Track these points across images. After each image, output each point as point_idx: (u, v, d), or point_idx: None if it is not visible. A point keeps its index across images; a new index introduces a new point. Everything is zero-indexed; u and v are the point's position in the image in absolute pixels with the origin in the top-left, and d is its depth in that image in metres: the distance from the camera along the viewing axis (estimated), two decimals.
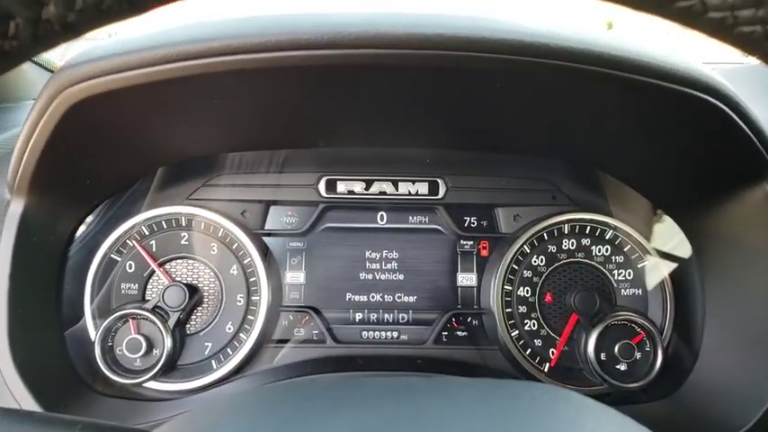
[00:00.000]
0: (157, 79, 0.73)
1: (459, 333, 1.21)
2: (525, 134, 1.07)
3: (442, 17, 0.75)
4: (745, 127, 0.80)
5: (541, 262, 1.19)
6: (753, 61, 1.39)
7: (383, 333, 1.21)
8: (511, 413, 0.47)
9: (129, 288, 1.16)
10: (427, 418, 0.45)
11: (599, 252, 1.20)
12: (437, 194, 1.22)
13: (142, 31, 0.77)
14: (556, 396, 0.52)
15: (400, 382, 0.53)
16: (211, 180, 1.20)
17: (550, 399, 0.51)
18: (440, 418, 0.45)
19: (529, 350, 1.16)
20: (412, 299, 1.22)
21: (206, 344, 1.15)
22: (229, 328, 1.15)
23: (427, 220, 1.24)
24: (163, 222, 1.17)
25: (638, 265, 1.19)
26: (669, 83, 0.76)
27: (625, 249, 1.20)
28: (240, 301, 1.16)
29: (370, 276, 1.22)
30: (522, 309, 1.18)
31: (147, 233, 1.17)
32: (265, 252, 1.20)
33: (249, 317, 1.15)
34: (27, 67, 1.55)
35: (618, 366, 1.13)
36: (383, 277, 1.22)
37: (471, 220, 1.24)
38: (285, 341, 1.18)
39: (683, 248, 1.13)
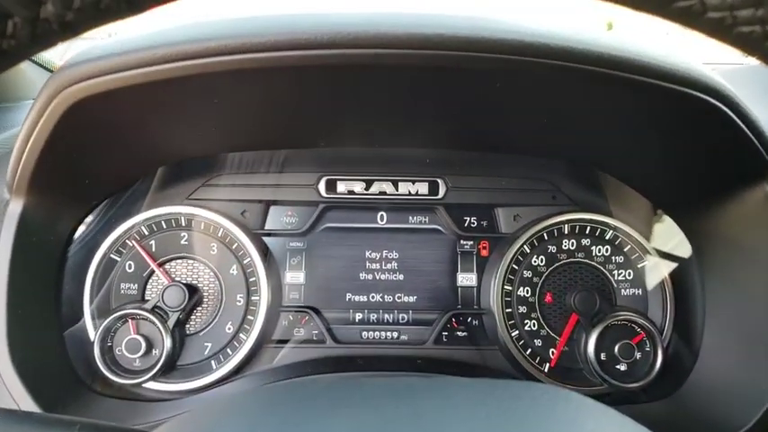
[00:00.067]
0: (156, 79, 0.73)
1: (459, 333, 1.20)
2: (525, 134, 1.07)
3: (442, 17, 0.75)
4: (744, 127, 0.80)
5: (541, 262, 1.19)
6: (753, 62, 1.39)
7: (383, 333, 1.20)
8: (510, 413, 0.47)
9: (129, 288, 1.15)
10: (427, 418, 0.45)
11: (599, 252, 1.20)
12: (437, 194, 1.22)
13: (141, 31, 0.77)
14: (556, 396, 0.52)
15: (400, 382, 0.53)
16: (211, 180, 1.20)
17: (550, 399, 0.51)
18: (439, 418, 0.45)
19: (529, 350, 1.16)
20: (412, 299, 1.22)
21: (206, 344, 1.14)
22: (229, 329, 1.15)
23: (427, 220, 1.24)
24: (162, 222, 1.17)
25: (638, 266, 1.19)
26: (669, 83, 0.76)
27: (625, 249, 1.20)
28: (240, 302, 1.16)
29: (370, 276, 1.22)
30: (522, 309, 1.18)
31: (146, 233, 1.17)
32: (265, 252, 1.20)
33: (249, 317, 1.15)
34: (27, 67, 1.55)
35: (618, 366, 1.13)
36: (383, 277, 1.22)
37: (471, 220, 1.24)
38: (285, 341, 1.18)
39: (683, 248, 1.12)
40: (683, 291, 1.14)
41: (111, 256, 1.16)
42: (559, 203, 1.22)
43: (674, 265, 1.16)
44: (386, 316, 1.21)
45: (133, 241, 1.16)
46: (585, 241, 1.20)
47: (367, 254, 1.22)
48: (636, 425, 0.51)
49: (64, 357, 1.03)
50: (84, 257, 1.14)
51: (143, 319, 1.12)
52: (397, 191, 1.22)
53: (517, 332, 1.17)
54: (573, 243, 1.20)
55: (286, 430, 0.45)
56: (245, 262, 1.17)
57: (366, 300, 1.21)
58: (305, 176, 1.21)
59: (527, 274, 1.19)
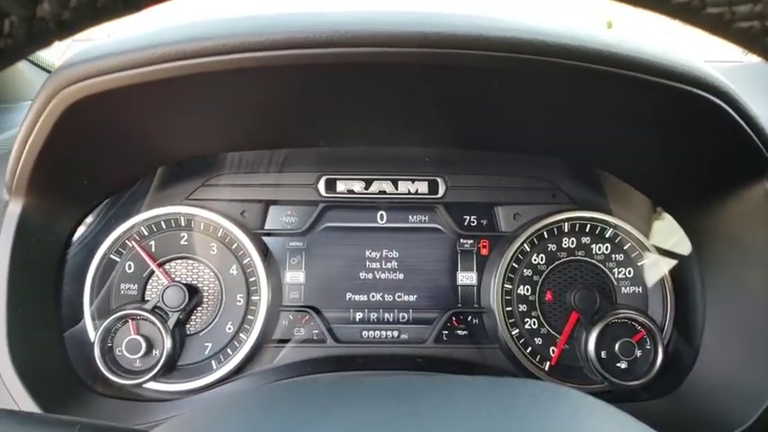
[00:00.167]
0: (154, 79, 0.73)
1: (459, 332, 1.20)
2: (524, 132, 1.07)
3: (440, 15, 0.75)
4: (744, 125, 0.80)
5: (541, 260, 1.19)
6: (753, 59, 1.39)
7: (383, 332, 1.20)
8: (510, 411, 0.47)
9: (129, 288, 1.15)
10: (427, 416, 0.45)
11: (599, 250, 1.20)
12: (437, 193, 1.22)
13: (139, 31, 0.77)
14: (555, 393, 0.51)
15: (399, 380, 0.53)
16: (211, 180, 1.20)
17: (550, 396, 0.51)
18: (439, 416, 0.45)
19: (529, 349, 1.16)
20: (412, 298, 1.22)
21: (206, 344, 1.14)
22: (229, 329, 1.15)
23: (427, 219, 1.24)
24: (162, 223, 1.17)
25: (638, 263, 1.19)
26: (668, 80, 0.76)
27: (625, 247, 1.19)
28: (240, 301, 1.16)
29: (370, 276, 1.22)
30: (523, 307, 1.18)
31: (146, 233, 1.17)
32: (265, 252, 1.20)
33: (249, 317, 1.15)
34: (26, 68, 1.54)
35: (618, 364, 1.13)
36: (383, 276, 1.22)
37: (471, 219, 1.24)
38: (285, 341, 1.18)
39: (683, 246, 1.12)
40: (684, 288, 1.14)
41: (111, 256, 1.16)
42: (559, 202, 1.22)
43: (673, 262, 1.16)
44: (386, 315, 1.21)
45: (133, 242, 1.16)
46: (585, 239, 1.20)
47: (367, 253, 1.22)
48: (636, 422, 0.51)
49: (64, 358, 1.03)
50: (83, 258, 1.14)
51: (143, 319, 1.12)
52: (397, 190, 1.22)
53: (517, 331, 1.17)
54: (573, 241, 1.20)
55: (284, 429, 0.44)
56: (244, 262, 1.17)
57: (366, 299, 1.21)
58: (304, 176, 1.21)
59: (527, 272, 1.19)
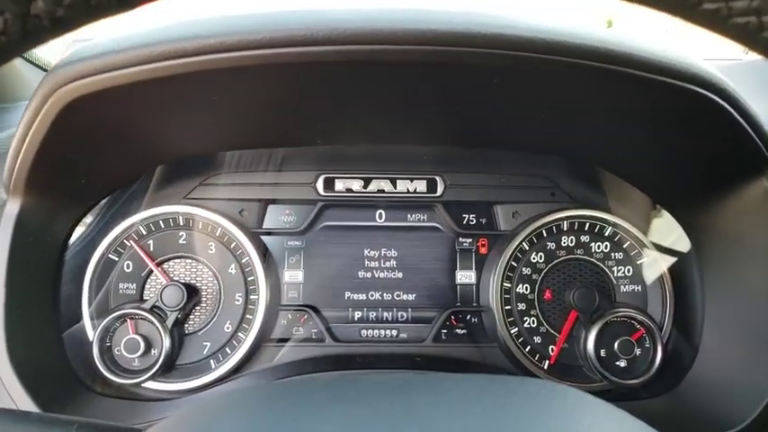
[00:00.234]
0: (152, 77, 0.72)
1: (458, 331, 1.20)
2: (523, 130, 1.07)
3: (439, 13, 0.74)
4: (743, 123, 0.80)
5: (540, 259, 1.19)
6: (752, 57, 1.39)
7: (382, 331, 1.20)
8: (506, 408, 0.47)
9: (127, 288, 1.15)
10: (422, 413, 0.45)
11: (598, 249, 1.20)
12: (435, 192, 1.22)
13: (137, 29, 0.77)
14: (552, 391, 0.51)
15: (394, 378, 0.53)
16: (209, 179, 1.20)
17: (547, 394, 0.50)
18: (434, 413, 0.45)
19: (528, 347, 1.16)
20: (411, 297, 1.22)
21: (204, 343, 1.14)
22: (228, 328, 1.15)
23: (426, 217, 1.24)
24: (160, 222, 1.17)
25: (638, 262, 1.19)
26: (667, 78, 0.75)
27: (624, 246, 1.19)
28: (239, 301, 1.15)
29: (368, 275, 1.22)
30: (522, 306, 1.18)
31: (144, 233, 1.17)
32: (264, 251, 1.20)
33: (248, 316, 1.15)
34: (24, 68, 1.54)
35: (617, 363, 1.13)
36: (382, 275, 1.22)
37: (470, 218, 1.24)
38: (284, 340, 1.18)
39: (682, 244, 1.12)
40: (683, 287, 1.14)
41: (110, 256, 1.15)
42: (558, 200, 1.22)
43: (673, 260, 1.16)
44: (385, 314, 1.21)
45: (131, 241, 1.16)
46: (584, 238, 1.20)
47: (366, 252, 1.22)
48: (634, 419, 0.51)
49: (63, 357, 1.03)
50: (82, 257, 1.14)
51: (142, 318, 1.11)
52: (396, 189, 1.22)
53: (516, 329, 1.17)
54: (572, 240, 1.20)
55: (280, 426, 0.44)
56: (243, 261, 1.17)
57: (365, 298, 1.21)
58: (303, 175, 1.21)
59: (526, 271, 1.19)
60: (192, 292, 1.13)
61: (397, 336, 1.20)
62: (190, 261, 1.17)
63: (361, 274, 1.22)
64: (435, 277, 1.22)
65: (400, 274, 1.22)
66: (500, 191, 1.23)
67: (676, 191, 1.09)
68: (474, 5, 0.81)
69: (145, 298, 1.15)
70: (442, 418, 0.44)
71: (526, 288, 1.18)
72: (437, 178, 1.22)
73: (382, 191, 1.22)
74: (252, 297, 1.16)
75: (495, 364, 1.17)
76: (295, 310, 1.19)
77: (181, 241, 1.17)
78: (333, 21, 0.71)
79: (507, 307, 1.17)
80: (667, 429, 0.57)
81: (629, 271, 1.19)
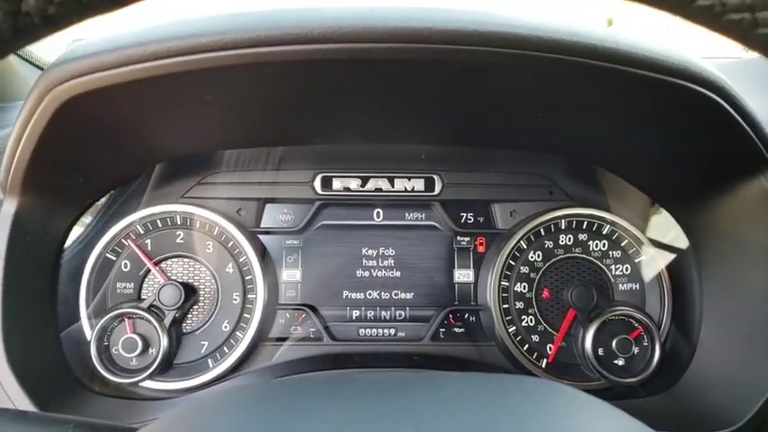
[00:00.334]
0: (148, 76, 0.72)
1: (456, 329, 1.20)
2: (520, 129, 1.07)
3: (435, 11, 0.74)
4: (742, 121, 0.80)
5: (538, 257, 1.19)
6: (751, 55, 1.39)
7: (380, 330, 1.20)
8: (503, 407, 0.47)
9: (125, 287, 1.15)
10: (418, 411, 0.45)
11: (596, 247, 1.20)
12: (433, 191, 1.22)
13: (132, 28, 0.76)
14: (548, 390, 0.51)
15: (391, 376, 0.53)
16: (206, 178, 1.20)
17: (543, 392, 0.50)
18: (431, 411, 0.45)
19: (526, 346, 1.16)
20: (409, 296, 1.21)
21: (202, 342, 1.14)
22: (225, 327, 1.15)
23: (423, 216, 1.24)
24: (158, 221, 1.17)
25: (636, 260, 1.19)
26: (665, 76, 0.75)
27: (622, 244, 1.19)
28: (236, 300, 1.15)
29: (366, 273, 1.22)
30: (519, 305, 1.18)
31: (142, 232, 1.16)
32: (261, 250, 1.19)
33: (245, 315, 1.15)
34: (22, 67, 1.54)
35: (616, 361, 1.13)
36: (380, 274, 1.22)
37: (468, 216, 1.23)
38: (282, 339, 1.18)
39: (680, 243, 1.12)
40: (681, 285, 1.14)
41: (107, 255, 1.15)
42: (556, 199, 1.22)
43: (671, 259, 1.16)
44: (383, 313, 1.21)
45: (129, 240, 1.16)
46: (582, 236, 1.20)
47: (363, 251, 1.22)
48: (630, 418, 0.51)
49: (60, 357, 1.03)
50: (79, 257, 1.14)
51: (139, 318, 1.11)
52: (393, 187, 1.22)
53: (514, 328, 1.17)
54: (570, 238, 1.20)
55: (277, 425, 0.44)
56: (241, 260, 1.17)
57: (363, 297, 1.21)
58: (300, 174, 1.21)
59: (524, 269, 1.19)
60: (189, 291, 1.13)
61: (395, 335, 1.20)
62: (187, 260, 1.17)
63: (358, 272, 1.21)
64: (433, 276, 1.22)
65: (398, 273, 1.22)
66: (498, 189, 1.23)
67: (675, 189, 1.09)
68: (472, 3, 0.81)
69: (142, 297, 1.15)
70: (438, 417, 0.44)
71: (524, 287, 1.18)
72: (435, 177, 1.22)
73: (380, 190, 1.22)
74: (249, 296, 1.16)
75: (493, 362, 1.17)
76: (293, 309, 1.19)
77: (178, 240, 1.17)
78: (328, 19, 0.70)
79: (505, 306, 1.17)
80: (665, 427, 0.57)
81: (627, 269, 1.19)
